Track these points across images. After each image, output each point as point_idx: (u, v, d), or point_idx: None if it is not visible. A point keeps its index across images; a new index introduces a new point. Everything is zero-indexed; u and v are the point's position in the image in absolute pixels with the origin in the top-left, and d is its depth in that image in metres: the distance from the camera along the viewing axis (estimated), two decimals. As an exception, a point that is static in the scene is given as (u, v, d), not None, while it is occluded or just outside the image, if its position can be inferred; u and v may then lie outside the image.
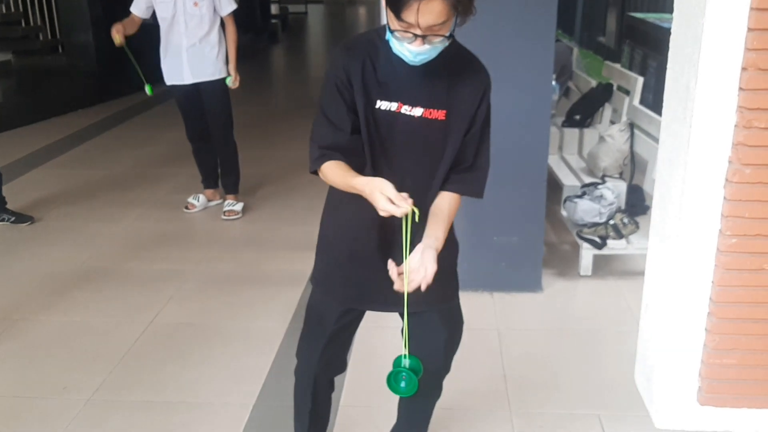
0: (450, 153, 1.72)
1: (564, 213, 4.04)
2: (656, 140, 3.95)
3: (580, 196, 3.91)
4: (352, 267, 1.83)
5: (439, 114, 1.67)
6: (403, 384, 1.74)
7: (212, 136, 4.62)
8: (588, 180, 4.20)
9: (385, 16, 1.58)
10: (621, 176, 4.24)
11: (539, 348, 3.12)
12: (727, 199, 1.87)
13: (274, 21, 16.04)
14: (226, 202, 4.71)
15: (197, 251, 4.13)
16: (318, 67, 13.15)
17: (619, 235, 3.72)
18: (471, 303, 3.49)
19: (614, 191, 3.88)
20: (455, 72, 1.68)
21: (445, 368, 2.05)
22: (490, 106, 1.76)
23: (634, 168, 4.30)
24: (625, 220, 3.76)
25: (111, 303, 3.51)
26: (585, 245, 3.73)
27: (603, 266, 3.84)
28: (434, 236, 1.67)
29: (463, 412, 2.66)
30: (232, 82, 4.46)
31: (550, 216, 4.03)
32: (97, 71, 8.72)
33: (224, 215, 4.61)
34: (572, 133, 4.89)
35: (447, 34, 1.54)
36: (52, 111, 7.53)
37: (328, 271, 1.90)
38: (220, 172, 4.77)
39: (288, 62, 13.95)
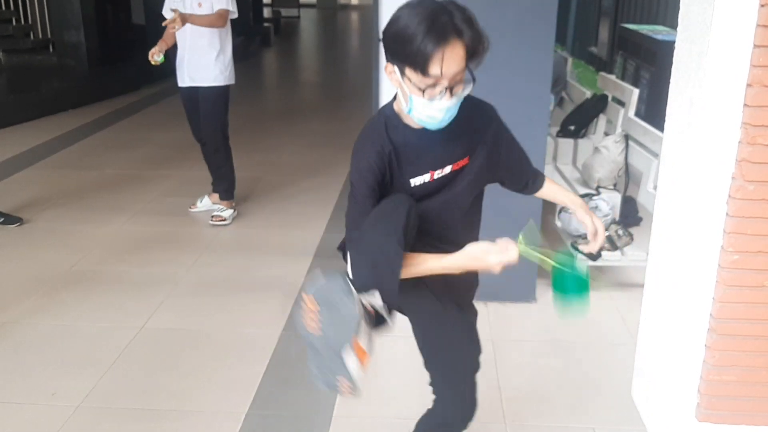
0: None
1: (559, 224, 4.03)
2: (651, 152, 3.96)
3: (575, 207, 3.91)
4: None
5: (464, 161, 1.72)
6: (571, 288, 1.56)
7: (208, 142, 4.58)
8: (583, 191, 4.20)
9: (401, 89, 1.58)
10: (615, 187, 4.24)
11: (533, 359, 3.11)
12: (730, 215, 1.86)
13: (266, 24, 16.01)
14: (216, 207, 4.67)
15: (189, 255, 4.09)
16: (310, 71, 13.15)
17: (614, 247, 3.72)
18: (466, 313, 3.49)
19: (609, 202, 3.88)
20: (462, 119, 1.67)
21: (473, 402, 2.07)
22: (506, 126, 1.85)
23: (628, 179, 4.31)
24: (620, 232, 3.76)
25: (101, 307, 3.46)
26: (579, 256, 3.72)
27: (597, 278, 3.83)
28: (569, 200, 1.95)
29: (458, 424, 2.63)
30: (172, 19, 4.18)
31: (545, 226, 4.03)
32: (88, 71, 8.65)
33: (211, 220, 4.57)
34: (567, 143, 4.89)
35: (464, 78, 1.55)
36: (43, 110, 7.46)
37: None
38: (213, 177, 4.73)
39: (280, 66, 13.92)
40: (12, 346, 3.09)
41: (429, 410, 2.00)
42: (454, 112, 1.59)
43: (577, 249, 3.71)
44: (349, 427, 2.59)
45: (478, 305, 3.67)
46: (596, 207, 3.82)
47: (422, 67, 1.47)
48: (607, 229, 3.77)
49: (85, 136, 6.89)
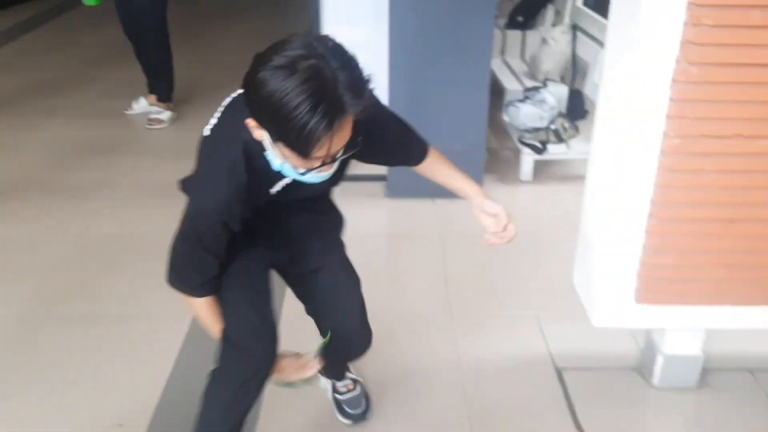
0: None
1: (506, 118, 4.00)
2: (598, 43, 3.91)
3: (522, 101, 3.87)
4: None
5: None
6: None
7: (145, 39, 4.33)
8: (530, 84, 4.15)
9: (271, 148, 1.34)
10: (563, 80, 4.21)
11: (480, 252, 3.14)
12: (673, 100, 1.84)
13: None
14: (153, 109, 4.48)
15: (127, 160, 3.95)
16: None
17: (560, 140, 3.72)
18: (413, 210, 3.50)
19: (555, 95, 3.85)
20: None
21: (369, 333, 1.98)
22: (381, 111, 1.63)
23: (575, 72, 4.27)
24: (566, 125, 3.76)
25: (38, 215, 3.34)
26: (526, 151, 3.72)
27: (543, 171, 3.86)
28: (471, 189, 1.75)
29: (407, 318, 2.68)
30: None
31: (492, 121, 3.99)
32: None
33: (148, 124, 4.40)
34: (515, 35, 4.80)
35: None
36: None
37: None
38: (149, 78, 4.51)
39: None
40: (-55, 257, 2.98)
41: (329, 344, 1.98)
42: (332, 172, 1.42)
43: (524, 143, 3.71)
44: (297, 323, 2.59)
45: (426, 202, 3.71)
46: (543, 100, 3.80)
47: (305, 152, 1.24)
48: (553, 122, 3.76)
49: (13, 38, 6.48)
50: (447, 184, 1.79)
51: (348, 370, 2.23)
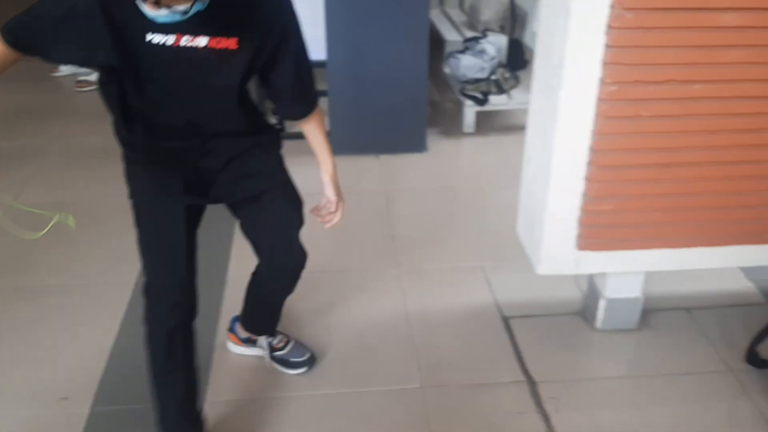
0: (239, 84, 1.53)
1: (447, 70, 3.97)
2: (536, -9, 3.90)
3: (462, 52, 3.85)
4: None
5: (230, 42, 1.41)
6: None
7: None
8: (470, 34, 4.13)
9: None
10: (502, 30, 4.19)
11: (425, 207, 3.15)
12: (609, 46, 1.84)
13: None
14: (82, 70, 4.30)
15: (57, 124, 3.80)
16: None
17: (501, 90, 3.72)
18: (357, 166, 3.46)
19: (495, 45, 3.83)
20: None
21: (301, 251, 1.95)
22: (297, 32, 1.55)
23: (514, 21, 4.26)
24: (507, 75, 3.75)
25: (-37, 185, 3.20)
26: (468, 102, 3.72)
27: (485, 123, 3.86)
28: (326, 166, 1.82)
29: (355, 274, 2.67)
30: None
31: (433, 74, 3.96)
32: None
33: (77, 86, 4.22)
34: (453, -15, 4.75)
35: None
36: None
37: None
38: None
39: None
40: None
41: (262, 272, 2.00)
42: (170, 19, 1.30)
43: (466, 95, 3.70)
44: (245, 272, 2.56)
45: (371, 158, 3.69)
46: (483, 50, 3.78)
47: None
48: (494, 73, 3.76)
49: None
50: (313, 149, 1.83)
51: (277, 322, 2.21)
